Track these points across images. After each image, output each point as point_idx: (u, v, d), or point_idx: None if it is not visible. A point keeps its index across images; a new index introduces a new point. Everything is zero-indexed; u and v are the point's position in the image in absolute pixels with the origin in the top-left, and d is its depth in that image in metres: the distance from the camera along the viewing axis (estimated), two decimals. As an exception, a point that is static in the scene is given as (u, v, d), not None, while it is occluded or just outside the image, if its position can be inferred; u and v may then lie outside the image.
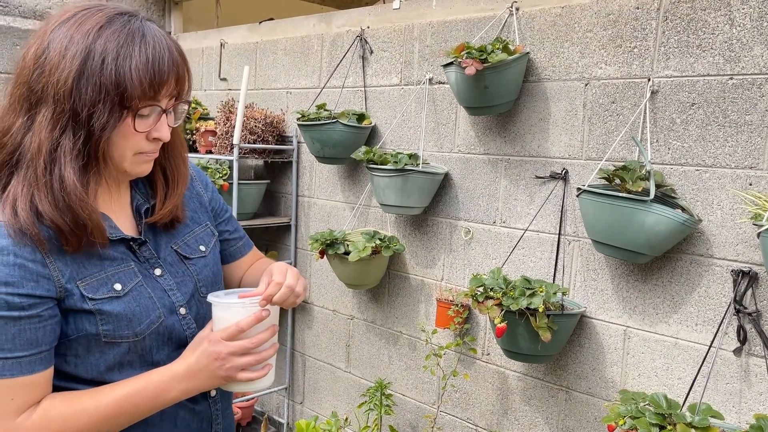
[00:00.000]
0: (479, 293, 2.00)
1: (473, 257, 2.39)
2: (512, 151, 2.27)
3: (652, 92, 1.93)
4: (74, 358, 1.00)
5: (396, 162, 2.32)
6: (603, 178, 1.92)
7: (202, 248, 1.19)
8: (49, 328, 0.95)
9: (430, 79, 2.50)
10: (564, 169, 2.13)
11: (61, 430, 0.96)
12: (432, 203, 2.49)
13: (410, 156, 2.40)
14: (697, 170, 1.86)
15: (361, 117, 2.68)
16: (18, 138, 0.95)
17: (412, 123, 2.58)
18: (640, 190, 1.80)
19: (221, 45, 3.35)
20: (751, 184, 1.76)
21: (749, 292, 1.76)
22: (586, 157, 2.09)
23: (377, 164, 2.37)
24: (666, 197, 1.89)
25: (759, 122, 1.74)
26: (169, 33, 3.91)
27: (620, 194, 1.79)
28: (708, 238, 1.84)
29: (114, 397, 0.99)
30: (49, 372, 0.98)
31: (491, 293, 1.97)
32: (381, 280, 2.68)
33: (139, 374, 1.02)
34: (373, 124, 2.68)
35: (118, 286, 1.02)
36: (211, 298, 1.08)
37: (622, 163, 1.91)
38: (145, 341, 1.04)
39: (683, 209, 1.86)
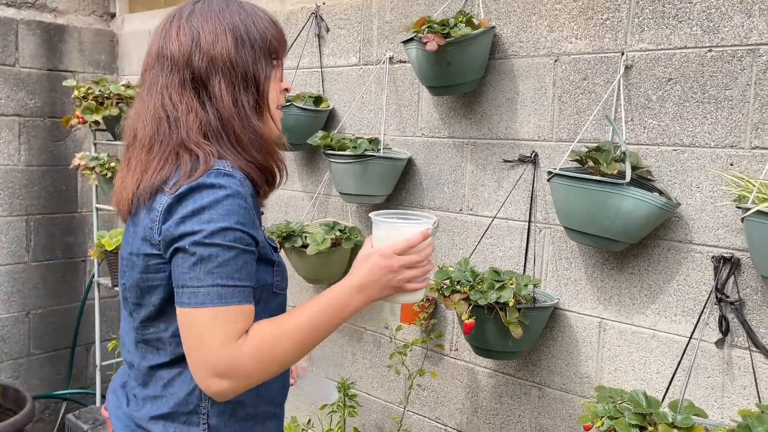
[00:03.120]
0: (445, 287, 1.85)
1: (439, 247, 2.25)
2: (478, 134, 2.13)
3: (626, 67, 1.80)
4: None
5: (355, 147, 2.16)
6: (575, 160, 1.78)
7: None
8: (255, 269, 1.09)
9: (390, 58, 2.34)
10: (533, 152, 1.99)
11: (270, 352, 1.04)
12: (395, 191, 2.34)
13: (370, 141, 2.24)
14: (675, 150, 1.74)
15: (318, 100, 2.51)
16: (201, 112, 1.10)
17: (373, 105, 2.41)
18: (614, 172, 1.67)
19: (169, 26, 3.14)
20: (732, 164, 1.65)
21: (731, 279, 1.65)
22: (557, 138, 1.95)
23: (335, 150, 2.20)
24: (642, 180, 1.77)
25: (740, 97, 1.63)
26: (114, 15, 3.70)
27: (594, 177, 1.65)
28: (687, 222, 1.72)
29: (309, 316, 1.08)
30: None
31: (458, 287, 1.83)
32: (342, 274, 2.52)
33: (317, 295, 1.13)
34: (331, 107, 2.52)
35: (273, 240, 1.26)
36: (376, 217, 1.19)
37: (596, 145, 1.78)
38: (286, 294, 1.25)
39: (661, 192, 1.74)
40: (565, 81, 1.93)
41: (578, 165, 1.80)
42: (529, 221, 2.01)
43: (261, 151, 1.13)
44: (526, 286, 1.78)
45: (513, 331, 1.71)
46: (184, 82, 1.11)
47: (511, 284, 1.75)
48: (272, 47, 1.16)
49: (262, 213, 1.28)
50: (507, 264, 2.08)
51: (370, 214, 1.19)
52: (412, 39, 1.98)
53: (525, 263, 2.02)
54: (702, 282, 1.70)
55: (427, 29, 1.90)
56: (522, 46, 2.01)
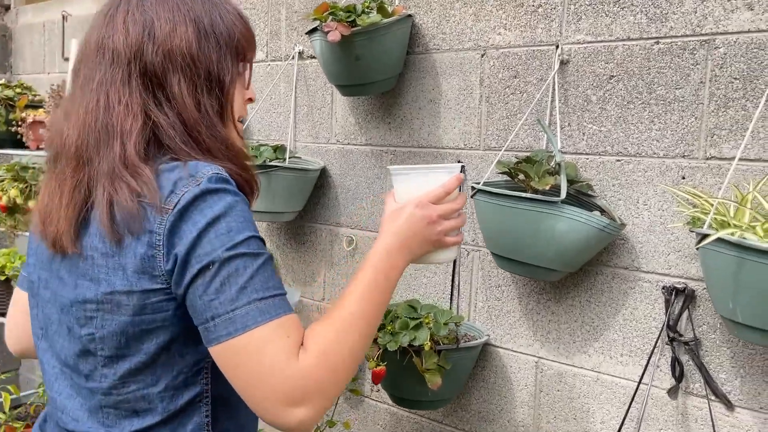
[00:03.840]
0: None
1: (357, 271, 1.95)
2: (398, 141, 1.83)
3: (562, 63, 1.53)
4: None
5: (255, 156, 1.85)
6: (504, 173, 1.50)
7: None
8: None
9: (300, 53, 2.03)
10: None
11: (338, 355, 0.89)
12: (308, 206, 2.03)
13: (275, 149, 1.93)
14: (619, 161, 1.47)
15: (222, 102, 2.18)
16: (156, 112, 0.92)
17: (282, 107, 2.10)
18: (548, 188, 1.39)
19: (63, 18, 2.77)
20: (684, 177, 1.39)
21: (685, 314, 1.39)
22: (486, 146, 1.67)
23: (233, 160, 1.88)
24: (581, 196, 1.50)
25: (692, 98, 1.36)
26: (8, 7, 3.30)
27: (523, 195, 1.37)
28: (633, 246, 1.46)
29: (361, 297, 0.94)
30: None
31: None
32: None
33: (357, 269, 0.97)
34: (236, 110, 2.19)
35: None
36: (399, 169, 1.06)
37: (527, 154, 1.50)
38: None
39: (602, 211, 1.47)
40: (493, 79, 1.65)
41: (508, 178, 1.53)
42: (456, 242, 1.72)
43: (235, 161, 0.96)
44: (445, 324, 1.49)
45: (430, 380, 1.42)
46: (129, 78, 0.92)
47: (428, 323, 1.46)
48: (240, 46, 0.98)
49: None
50: (432, 293, 1.79)
51: (390, 168, 1.07)
52: (316, 29, 1.68)
53: (452, 292, 1.73)
54: (651, 317, 1.44)
55: (330, 17, 1.60)
56: (444, 38, 1.73)
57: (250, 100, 1.05)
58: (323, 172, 2.00)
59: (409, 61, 1.78)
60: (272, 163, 1.84)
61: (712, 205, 1.21)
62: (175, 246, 0.85)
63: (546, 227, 1.37)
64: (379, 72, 1.68)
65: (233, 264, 0.85)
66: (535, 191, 1.44)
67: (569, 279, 1.54)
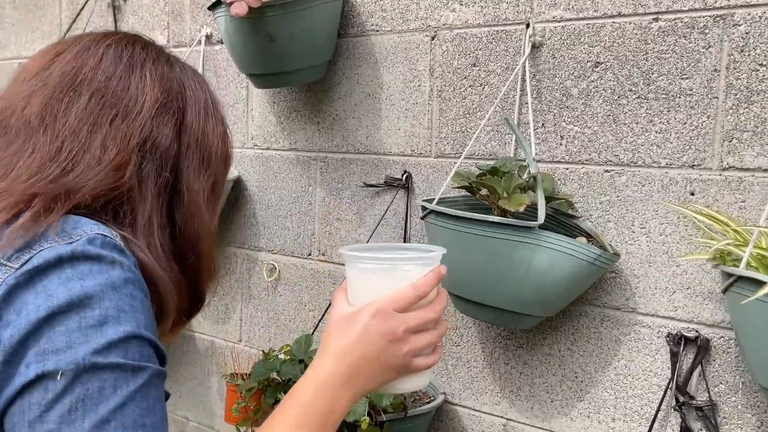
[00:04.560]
0: (269, 388, 1.19)
1: (281, 307, 1.58)
2: (330, 145, 1.47)
3: (534, 46, 1.20)
4: None
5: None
6: (463, 187, 1.16)
7: None
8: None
9: (208, 37, 1.64)
10: (405, 171, 1.36)
11: None
12: (219, 226, 1.65)
13: (175, 155, 1.54)
14: (608, 171, 1.15)
15: (115, 97, 1.77)
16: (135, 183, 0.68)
17: (188, 104, 1.71)
18: (521, 209, 1.06)
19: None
20: (693, 194, 1.07)
21: (697, 371, 1.08)
22: (438, 152, 1.33)
23: (120, 170, 1.49)
24: (559, 217, 1.17)
25: (703, 90, 1.05)
26: None
27: (490, 218, 1.03)
28: (627, 281, 1.14)
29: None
30: None
31: (286, 388, 1.16)
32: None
33: (281, 403, 0.71)
34: (132, 108, 1.79)
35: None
36: (353, 254, 0.77)
37: (491, 164, 1.17)
38: None
39: (588, 236, 1.15)
40: (446, 68, 1.30)
41: (468, 194, 1.19)
42: (402, 273, 1.37)
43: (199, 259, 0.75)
44: (390, 388, 1.13)
45: (369, 466, 1.06)
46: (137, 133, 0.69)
47: (366, 389, 1.10)
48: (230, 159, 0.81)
49: None
50: (373, 334, 1.43)
51: (341, 250, 0.79)
52: (219, 2, 1.31)
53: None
54: (652, 372, 1.12)
55: (235, -14, 1.23)
56: (385, 16, 1.37)
57: None
58: (237, 184, 1.62)
59: (342, 46, 1.43)
60: (169, 174, 1.44)
61: (746, 236, 0.89)
62: (8, 323, 0.57)
63: (520, 261, 1.03)
64: (300, 58, 1.31)
65: (96, 379, 0.57)
66: (504, 212, 1.10)
67: (546, 321, 1.21)
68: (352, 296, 0.78)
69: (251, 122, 1.60)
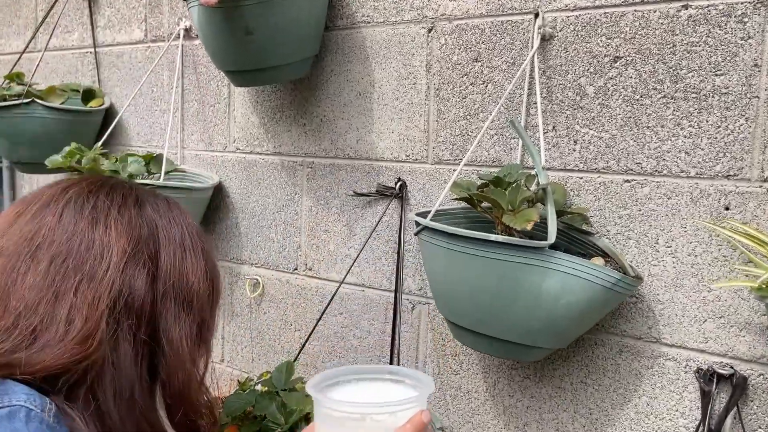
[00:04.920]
0: (246, 423, 1.05)
1: (266, 326, 1.44)
2: (317, 149, 1.33)
3: (544, 38, 1.05)
4: None
5: (115, 171, 1.32)
6: (463, 199, 1.02)
7: None
8: None
9: (187, 30, 1.51)
10: (399, 180, 1.22)
11: None
12: (200, 236, 1.52)
13: (149, 160, 1.41)
14: (628, 181, 1.00)
15: (88, 94, 1.65)
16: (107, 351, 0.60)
17: (166, 103, 1.58)
18: (528, 227, 0.91)
19: None
20: (728, 208, 0.93)
21: (732, 411, 0.93)
22: (436, 158, 1.19)
23: (87, 176, 1.35)
24: (572, 233, 1.03)
25: (741, 88, 0.91)
26: None
27: (492, 237, 0.89)
28: (650, 307, 0.99)
29: None
30: None
31: (268, 425, 1.03)
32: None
33: None
34: (106, 106, 1.66)
35: None
36: (320, 396, 0.64)
37: (495, 173, 1.03)
38: None
39: (605, 256, 1.00)
40: (445, 63, 1.16)
41: (468, 206, 1.05)
42: (396, 291, 1.24)
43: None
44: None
45: None
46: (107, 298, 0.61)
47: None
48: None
49: None
50: (365, 359, 1.30)
51: (309, 387, 0.65)
52: (191, -9, 1.17)
53: (390, 358, 1.24)
54: (679, 411, 0.98)
55: (206, -29, 1.09)
56: (377, 6, 1.23)
57: None
58: (219, 191, 1.48)
59: (330, 40, 1.29)
60: (141, 182, 1.31)
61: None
62: None
63: (528, 286, 0.89)
64: (281, 53, 1.17)
65: None
66: (509, 230, 0.96)
67: (556, 349, 1.07)
68: None
69: (233, 123, 1.46)
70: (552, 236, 0.89)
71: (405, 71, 1.21)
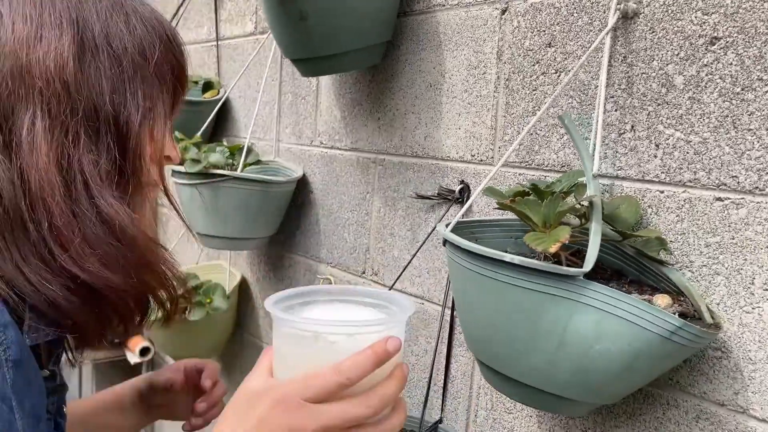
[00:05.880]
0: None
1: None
2: (388, 145, 1.23)
3: (624, 16, 0.85)
4: None
5: (195, 160, 1.34)
6: (502, 207, 0.86)
7: None
8: None
9: (285, 21, 1.48)
10: (463, 182, 1.08)
11: None
12: (287, 229, 1.50)
13: (233, 151, 1.41)
14: (721, 200, 0.77)
15: (207, 85, 1.71)
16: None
17: (269, 95, 1.58)
18: (551, 250, 0.72)
19: None
20: None
21: None
22: (504, 160, 1.02)
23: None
24: (643, 261, 0.82)
25: None
26: None
27: (505, 257, 0.72)
28: (738, 365, 0.75)
29: None
30: None
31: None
32: (225, 347, 1.71)
33: None
34: (221, 96, 1.70)
35: None
36: (269, 306, 0.60)
37: (557, 175, 0.85)
38: None
39: (678, 294, 0.78)
40: (517, 50, 0.99)
41: (512, 216, 0.88)
42: (444, 307, 1.10)
43: (122, 261, 0.62)
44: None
45: None
46: None
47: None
48: (161, 72, 0.67)
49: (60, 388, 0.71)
50: (422, 378, 1.17)
51: (266, 304, 0.60)
52: (258, -23, 1.14)
53: (443, 399, 1.10)
54: None
55: (262, -46, 1.05)
56: (452, -14, 1.10)
57: (168, 159, 0.72)
58: (303, 186, 1.44)
59: (405, 25, 1.18)
60: (216, 172, 1.31)
61: None
62: None
63: (553, 322, 0.71)
64: (340, 39, 1.09)
65: None
66: (533, 253, 0.78)
67: (624, 403, 0.86)
68: (275, 364, 0.61)
69: (319, 117, 1.41)
70: (589, 263, 0.70)
71: (475, 59, 1.06)
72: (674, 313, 0.71)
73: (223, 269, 1.69)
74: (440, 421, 1.11)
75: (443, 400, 1.10)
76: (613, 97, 0.87)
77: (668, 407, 0.82)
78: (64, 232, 0.60)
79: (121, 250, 0.62)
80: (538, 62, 0.97)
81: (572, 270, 0.70)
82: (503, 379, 0.80)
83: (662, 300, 0.75)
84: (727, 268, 0.76)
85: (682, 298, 0.77)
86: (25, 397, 0.59)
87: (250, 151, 1.42)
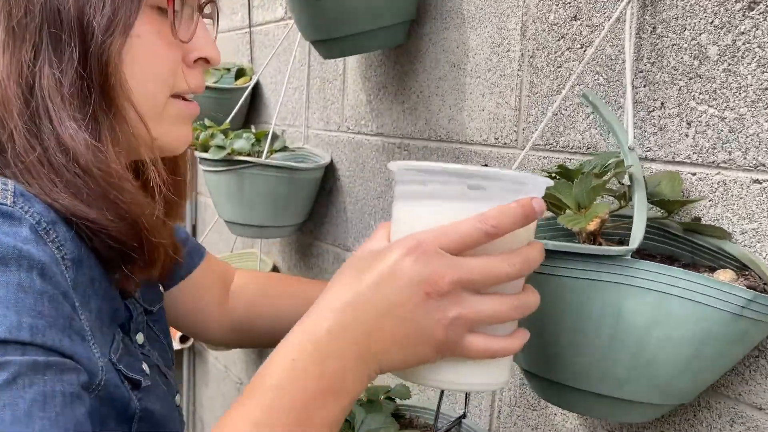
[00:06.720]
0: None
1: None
2: (413, 130, 1.19)
3: (653, -17, 0.78)
4: None
5: (220, 147, 1.33)
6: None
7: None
8: (82, 417, 0.49)
9: (312, 5, 1.45)
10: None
11: None
12: (316, 217, 1.47)
13: (259, 138, 1.40)
14: (759, 182, 0.70)
15: (240, 72, 1.70)
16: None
17: (298, 81, 1.55)
18: (590, 227, 0.67)
19: None
20: None
21: None
22: (526, 142, 0.97)
23: (202, 151, 1.39)
24: (696, 239, 0.75)
25: None
26: None
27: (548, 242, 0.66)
28: (778, 367, 0.68)
29: None
30: None
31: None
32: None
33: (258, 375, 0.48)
34: (251, 84, 1.69)
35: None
36: (394, 167, 0.55)
37: (582, 158, 0.79)
38: None
39: (742, 268, 0.71)
40: (541, 24, 0.93)
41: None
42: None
43: (94, 193, 0.55)
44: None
45: None
46: None
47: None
48: None
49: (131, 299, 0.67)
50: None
51: (391, 165, 0.56)
52: (276, -42, 1.11)
53: (467, 393, 1.05)
54: None
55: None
56: (475, -40, 1.04)
57: (206, 61, 0.64)
58: (331, 172, 1.41)
59: (429, 4, 1.13)
60: (241, 158, 1.30)
61: None
62: None
63: (600, 312, 0.65)
64: (360, 18, 1.05)
65: None
66: (593, 238, 0.72)
67: (698, 404, 0.80)
68: (395, 230, 0.54)
69: (346, 101, 1.38)
70: (636, 239, 0.63)
71: (499, 36, 1.00)
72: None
73: (255, 257, 1.68)
74: (464, 416, 1.06)
75: (467, 395, 1.05)
76: (641, 71, 0.80)
77: (699, 408, 0.75)
78: (23, 155, 0.53)
79: (85, 180, 0.54)
80: (563, 37, 0.90)
81: (619, 249, 0.62)
82: (549, 385, 0.73)
83: (725, 275, 0.67)
84: (765, 258, 0.69)
85: (746, 272, 0.69)
86: (90, 298, 0.55)
87: (276, 137, 1.40)
